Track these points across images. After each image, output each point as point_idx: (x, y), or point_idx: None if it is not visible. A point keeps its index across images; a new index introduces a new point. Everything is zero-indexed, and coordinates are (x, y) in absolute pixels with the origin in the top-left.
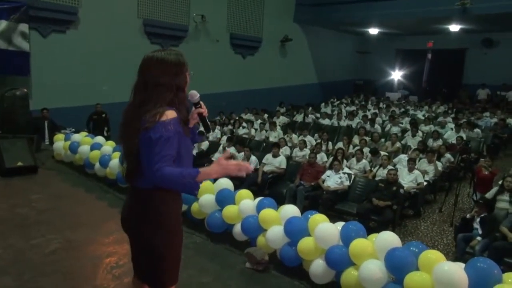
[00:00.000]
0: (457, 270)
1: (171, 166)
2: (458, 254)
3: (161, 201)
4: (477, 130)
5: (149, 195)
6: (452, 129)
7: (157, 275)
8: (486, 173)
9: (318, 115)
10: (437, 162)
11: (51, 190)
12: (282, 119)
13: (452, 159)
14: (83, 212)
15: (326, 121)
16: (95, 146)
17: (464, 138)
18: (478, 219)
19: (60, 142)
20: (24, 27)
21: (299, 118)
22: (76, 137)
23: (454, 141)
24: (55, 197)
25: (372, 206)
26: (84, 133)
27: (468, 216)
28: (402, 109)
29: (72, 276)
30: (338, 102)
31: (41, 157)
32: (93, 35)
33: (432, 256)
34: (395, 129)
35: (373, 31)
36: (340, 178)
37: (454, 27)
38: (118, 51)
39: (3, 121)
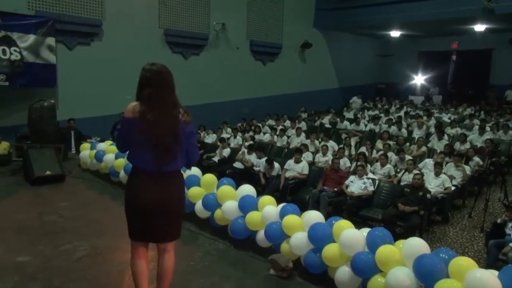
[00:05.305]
0: (490, 277)
1: None
2: (490, 261)
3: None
4: (511, 132)
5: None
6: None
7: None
8: None
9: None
10: (465, 166)
11: (77, 198)
12: (302, 125)
13: (481, 163)
14: (109, 219)
15: (344, 125)
16: (120, 155)
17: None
18: (510, 224)
19: (86, 151)
20: (51, 40)
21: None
22: (102, 146)
23: (482, 144)
24: (81, 205)
25: (397, 211)
26: (109, 142)
27: (499, 221)
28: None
29: (99, 282)
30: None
31: (68, 166)
32: (116, 46)
33: (463, 263)
34: (420, 132)
35: (395, 33)
36: (364, 183)
37: (480, 27)
38: (140, 60)
39: (32, 131)
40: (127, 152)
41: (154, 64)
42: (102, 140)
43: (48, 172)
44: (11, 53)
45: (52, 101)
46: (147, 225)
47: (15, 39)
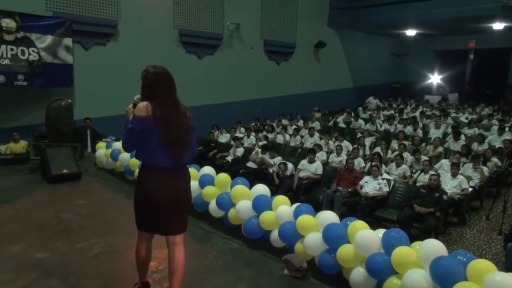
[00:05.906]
0: (510, 281)
1: None
2: (508, 264)
3: (188, 167)
4: None
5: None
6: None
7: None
8: None
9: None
10: (482, 167)
11: (93, 196)
12: (316, 124)
13: (500, 164)
14: (124, 218)
15: (359, 124)
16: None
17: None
18: None
19: (102, 150)
20: (68, 41)
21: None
22: (117, 145)
23: (500, 145)
24: (97, 203)
25: (413, 213)
26: None
27: None
28: (442, 113)
29: (114, 280)
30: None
31: (84, 164)
32: (131, 47)
33: (482, 266)
34: (437, 132)
35: (410, 32)
36: (379, 184)
37: (498, 25)
38: (155, 60)
39: (49, 130)
40: (136, 151)
41: (155, 67)
42: (118, 139)
43: (65, 171)
44: (29, 54)
45: (69, 100)
46: (157, 219)
47: (34, 40)
